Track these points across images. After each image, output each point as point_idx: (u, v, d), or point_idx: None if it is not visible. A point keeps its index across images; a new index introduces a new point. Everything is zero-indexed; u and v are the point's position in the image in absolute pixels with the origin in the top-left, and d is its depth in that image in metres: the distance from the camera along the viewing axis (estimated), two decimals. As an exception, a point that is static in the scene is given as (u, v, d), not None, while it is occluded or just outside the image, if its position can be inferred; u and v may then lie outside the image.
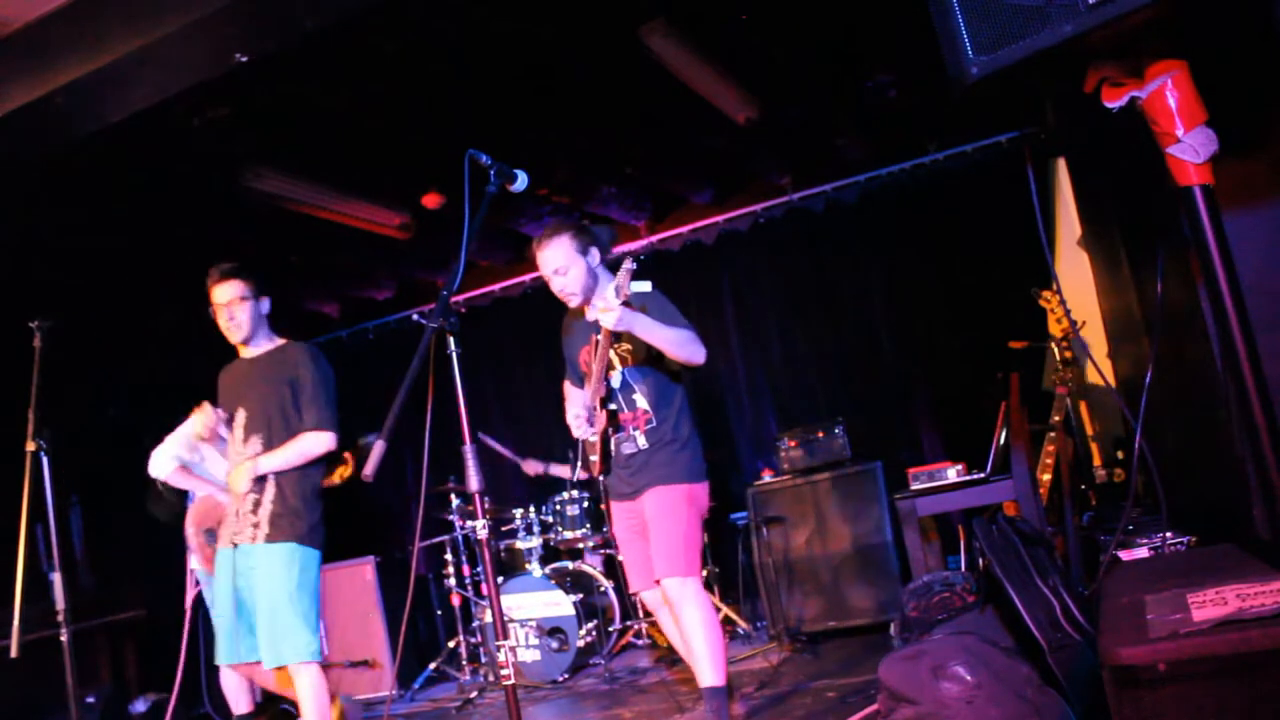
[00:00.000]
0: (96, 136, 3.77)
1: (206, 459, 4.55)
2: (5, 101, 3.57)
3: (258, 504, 3.44)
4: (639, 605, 4.57)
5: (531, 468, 6.13)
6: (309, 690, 3.38)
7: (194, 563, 4.53)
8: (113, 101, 3.62)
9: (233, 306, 3.53)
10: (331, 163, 4.83)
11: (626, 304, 3.09)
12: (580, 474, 3.46)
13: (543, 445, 6.50)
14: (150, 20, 3.30)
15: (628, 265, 3.09)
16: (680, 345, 3.20)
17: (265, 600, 3.37)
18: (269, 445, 3.46)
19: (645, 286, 3.25)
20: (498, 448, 6.09)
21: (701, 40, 4.25)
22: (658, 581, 3.28)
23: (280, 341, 3.66)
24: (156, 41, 3.30)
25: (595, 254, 3.38)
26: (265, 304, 3.62)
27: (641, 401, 3.34)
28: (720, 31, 4.23)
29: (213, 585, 3.79)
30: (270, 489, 3.44)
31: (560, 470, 6.01)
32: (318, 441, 3.46)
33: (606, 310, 3.07)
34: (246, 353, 3.64)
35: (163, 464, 4.34)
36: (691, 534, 3.28)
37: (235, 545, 3.46)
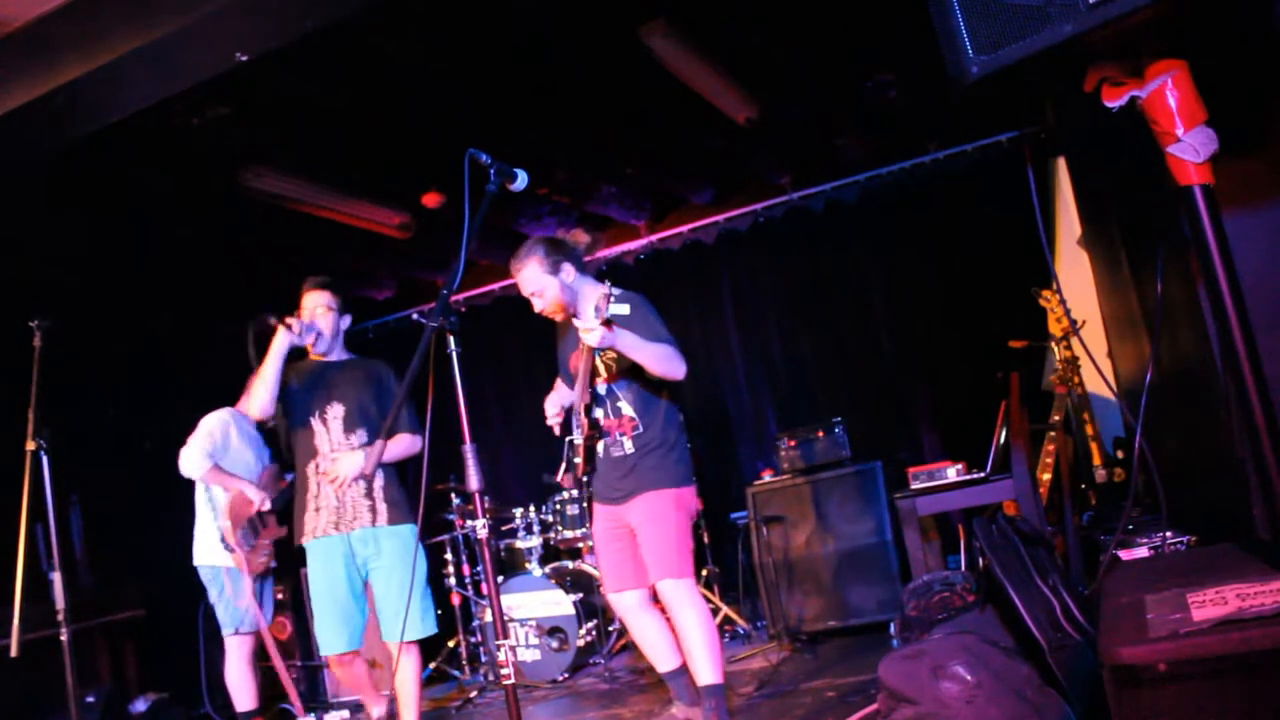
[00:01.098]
0: (96, 136, 3.77)
1: (231, 454, 4.52)
2: (6, 101, 3.57)
3: (369, 491, 3.60)
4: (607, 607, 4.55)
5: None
6: (416, 666, 3.65)
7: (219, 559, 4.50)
8: (113, 101, 3.62)
9: (318, 314, 3.82)
10: (331, 163, 4.83)
11: (608, 325, 3.11)
12: (565, 479, 3.47)
13: (543, 445, 6.50)
14: (150, 20, 3.30)
15: (606, 290, 3.13)
16: (660, 361, 3.22)
17: (401, 578, 3.54)
18: (371, 440, 3.64)
19: (624, 310, 3.29)
20: None
21: (701, 40, 4.25)
22: (648, 586, 3.30)
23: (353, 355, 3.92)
24: (156, 41, 3.30)
25: (568, 269, 3.39)
26: (347, 319, 3.92)
27: (627, 409, 3.37)
28: (720, 31, 4.23)
29: (313, 574, 3.97)
30: (380, 478, 3.64)
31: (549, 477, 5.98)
32: (415, 442, 3.73)
33: (587, 331, 3.10)
34: (327, 358, 3.84)
35: (196, 464, 4.34)
36: (683, 536, 3.30)
37: (347, 531, 3.59)
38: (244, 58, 3.41)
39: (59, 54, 3.47)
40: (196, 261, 5.58)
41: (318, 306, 3.80)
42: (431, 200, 5.32)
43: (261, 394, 3.63)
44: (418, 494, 3.37)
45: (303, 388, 3.75)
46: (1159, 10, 1.82)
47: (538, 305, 3.43)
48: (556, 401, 3.49)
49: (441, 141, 4.51)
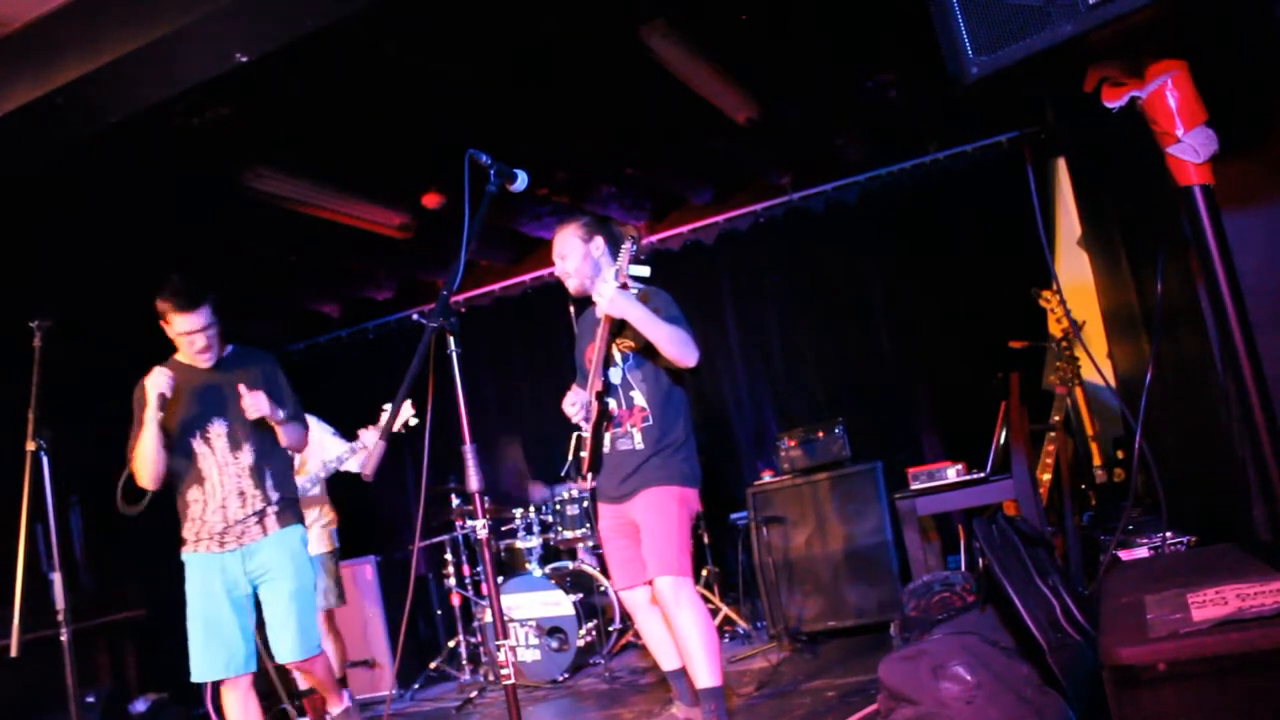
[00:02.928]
0: (97, 136, 3.77)
1: None
2: (6, 101, 3.56)
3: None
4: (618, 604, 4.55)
5: (538, 493, 6.07)
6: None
7: None
8: (113, 101, 3.62)
9: (207, 332, 3.63)
10: (331, 163, 4.83)
11: (625, 288, 3.12)
12: (575, 475, 3.47)
13: (543, 444, 6.51)
14: (150, 20, 3.30)
15: (627, 246, 3.12)
16: (673, 343, 3.20)
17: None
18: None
19: (644, 271, 3.28)
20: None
21: (701, 40, 4.25)
22: (649, 582, 3.27)
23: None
24: (156, 41, 3.30)
25: (600, 243, 3.42)
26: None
27: (640, 399, 3.34)
28: (720, 31, 4.23)
29: None
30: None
31: (561, 488, 5.95)
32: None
33: (600, 293, 3.11)
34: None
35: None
36: (684, 534, 3.27)
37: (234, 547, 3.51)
38: (244, 58, 3.41)
39: (59, 54, 3.46)
40: (196, 261, 5.57)
41: (195, 334, 3.54)
42: (431, 200, 5.32)
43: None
44: (417, 495, 3.38)
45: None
46: (1159, 10, 1.82)
47: (559, 268, 3.47)
48: (574, 399, 3.45)
49: (441, 141, 4.51)
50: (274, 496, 3.49)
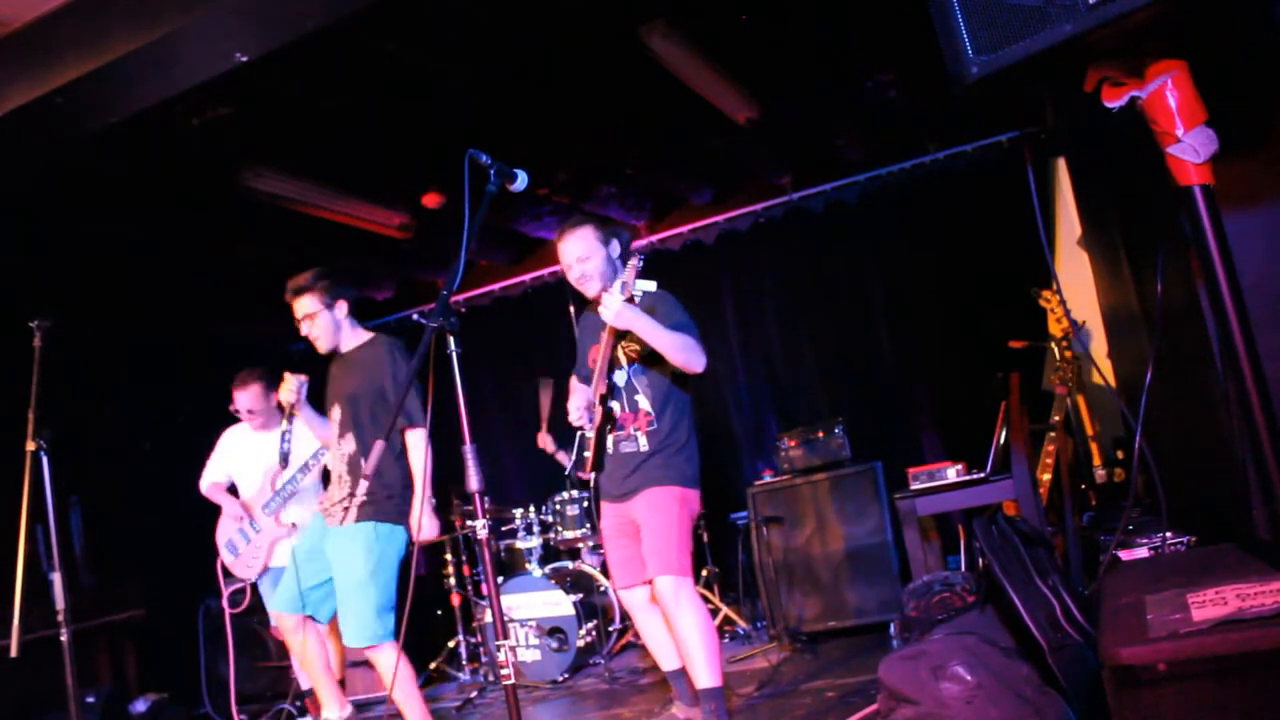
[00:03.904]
0: (97, 136, 3.77)
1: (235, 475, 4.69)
2: (6, 101, 3.56)
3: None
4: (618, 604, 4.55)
5: (544, 441, 5.98)
6: (389, 670, 3.59)
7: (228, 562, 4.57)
8: (113, 101, 3.62)
9: (307, 321, 3.76)
10: (331, 163, 4.83)
11: (631, 300, 3.12)
12: (569, 462, 3.47)
13: (553, 409, 6.49)
14: (150, 20, 3.30)
15: (634, 262, 3.12)
16: (679, 350, 3.20)
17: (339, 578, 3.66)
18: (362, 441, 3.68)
19: (650, 285, 3.28)
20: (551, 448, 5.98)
21: (701, 40, 4.25)
22: (649, 581, 3.27)
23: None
24: (156, 41, 3.30)
25: (616, 246, 3.43)
26: (341, 309, 3.79)
27: (644, 402, 3.34)
28: (720, 31, 4.23)
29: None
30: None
31: (563, 457, 5.95)
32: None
33: (607, 306, 3.09)
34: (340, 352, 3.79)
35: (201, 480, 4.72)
36: (684, 534, 3.27)
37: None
38: (244, 58, 3.41)
39: (59, 54, 3.47)
40: (196, 261, 5.58)
41: (301, 318, 3.72)
42: (431, 200, 5.32)
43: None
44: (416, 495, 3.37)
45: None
46: (1159, 10, 1.82)
47: (576, 273, 3.39)
48: (578, 401, 3.45)
49: (441, 141, 4.51)
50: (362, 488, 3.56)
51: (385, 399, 3.54)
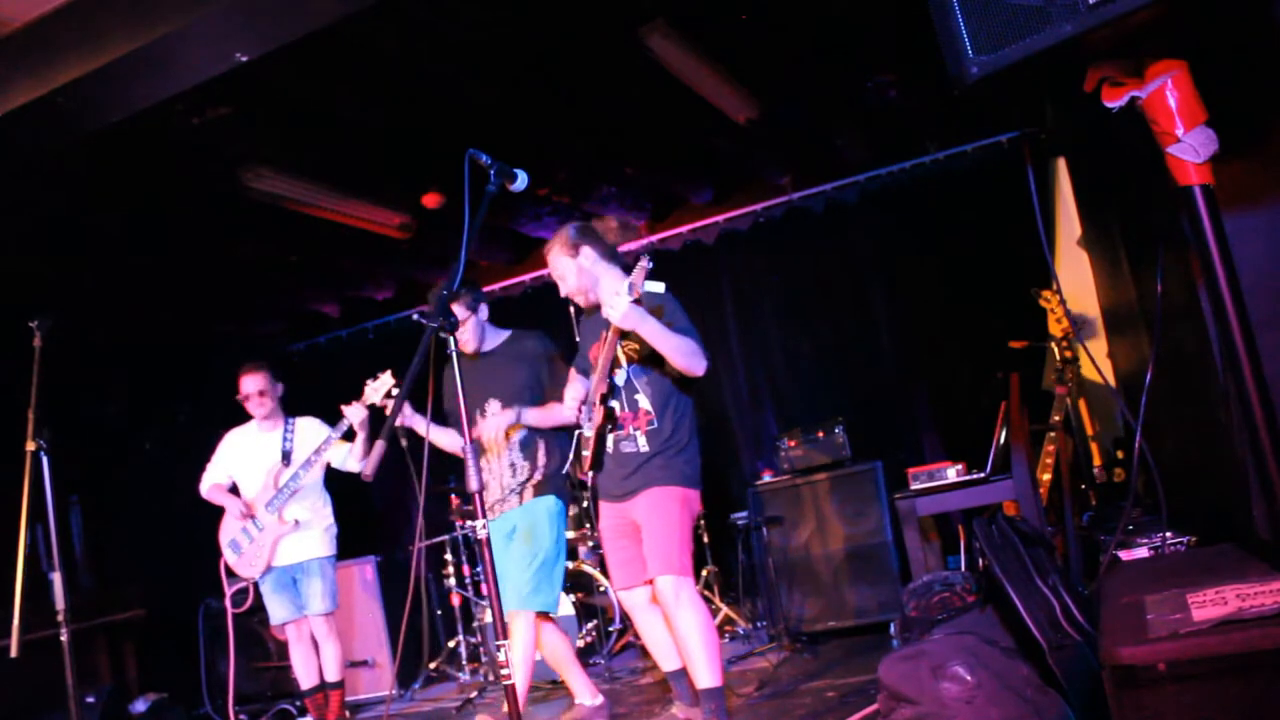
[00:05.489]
0: (97, 136, 3.77)
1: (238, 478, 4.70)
2: (6, 100, 3.56)
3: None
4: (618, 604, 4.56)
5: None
6: (521, 640, 3.66)
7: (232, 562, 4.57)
8: (113, 101, 3.62)
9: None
10: (331, 163, 4.83)
11: (638, 302, 3.11)
12: (574, 473, 3.47)
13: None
14: (150, 20, 3.30)
15: (643, 263, 3.10)
16: (682, 355, 3.20)
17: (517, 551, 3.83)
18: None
19: (659, 287, 3.28)
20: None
21: (701, 40, 4.25)
22: (649, 582, 3.27)
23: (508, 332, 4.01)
24: (156, 41, 3.30)
25: (588, 252, 3.41)
26: (484, 311, 3.93)
27: (644, 402, 3.34)
28: (720, 31, 4.23)
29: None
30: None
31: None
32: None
33: (613, 306, 3.09)
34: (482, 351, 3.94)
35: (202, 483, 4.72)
36: (685, 535, 3.27)
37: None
38: (244, 58, 3.41)
39: (59, 54, 3.46)
40: (196, 261, 5.58)
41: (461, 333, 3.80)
42: (431, 200, 5.32)
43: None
44: (417, 495, 3.38)
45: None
46: (1159, 10, 1.82)
47: (563, 289, 3.53)
48: (574, 392, 3.47)
49: (441, 141, 4.51)
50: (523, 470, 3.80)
51: (541, 385, 3.80)
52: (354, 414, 4.31)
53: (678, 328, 3.25)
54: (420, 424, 3.78)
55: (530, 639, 3.60)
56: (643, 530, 3.31)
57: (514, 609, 3.56)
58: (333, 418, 4.43)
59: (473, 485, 2.43)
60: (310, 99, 4.17)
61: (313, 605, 4.53)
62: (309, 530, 4.55)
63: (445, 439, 3.92)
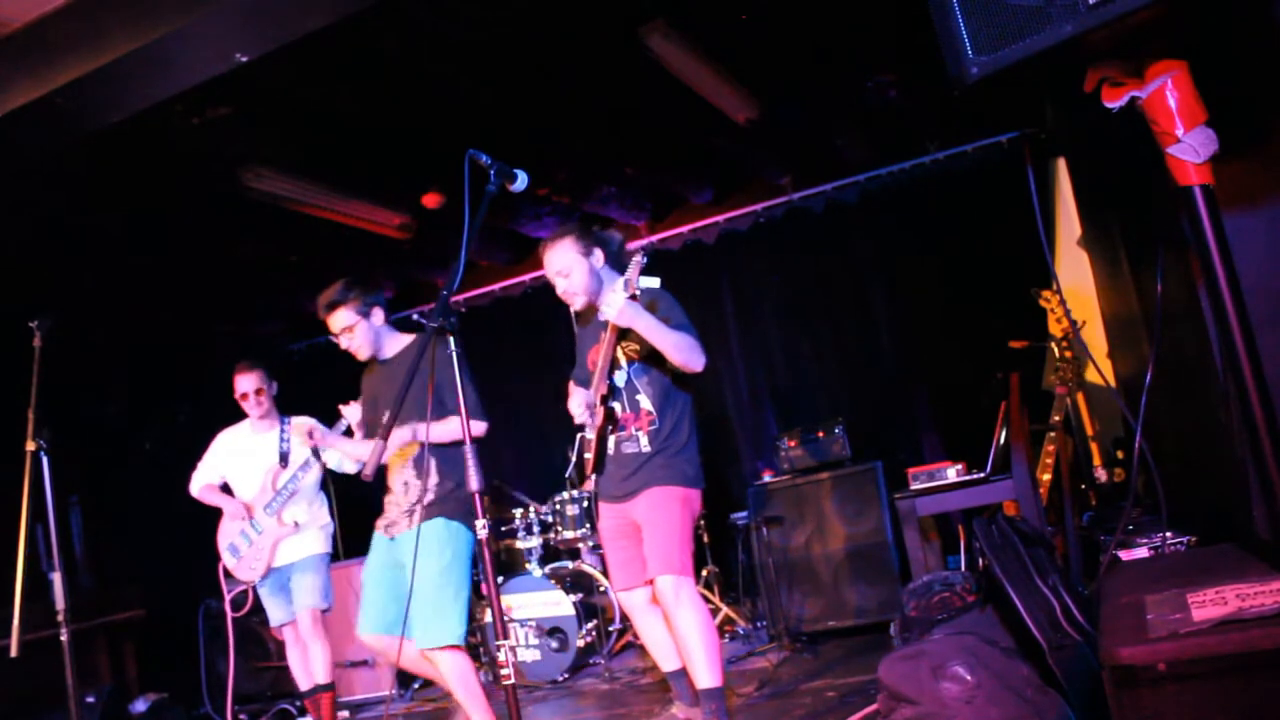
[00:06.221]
0: (97, 136, 3.77)
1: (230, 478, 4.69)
2: (6, 101, 3.56)
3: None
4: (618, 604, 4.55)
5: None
6: (445, 672, 3.46)
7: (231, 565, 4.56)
8: (113, 101, 3.62)
9: (346, 335, 3.63)
10: (331, 163, 4.83)
11: (634, 299, 3.11)
12: (575, 477, 3.47)
13: (542, 443, 6.51)
14: (150, 20, 3.30)
15: (638, 259, 3.11)
16: (680, 350, 3.19)
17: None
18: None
19: (654, 282, 3.26)
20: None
21: (701, 40, 4.25)
22: (649, 582, 3.27)
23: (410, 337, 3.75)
24: (156, 41, 3.30)
25: (599, 255, 3.39)
26: (378, 315, 3.69)
27: (645, 402, 3.33)
28: (720, 31, 4.23)
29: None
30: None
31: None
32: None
33: (609, 303, 3.10)
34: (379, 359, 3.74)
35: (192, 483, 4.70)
36: (685, 534, 3.27)
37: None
38: (244, 58, 3.41)
39: (59, 54, 3.46)
40: (196, 261, 5.58)
41: (340, 334, 3.64)
42: (431, 200, 5.32)
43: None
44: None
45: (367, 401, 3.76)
46: (1159, 10, 1.82)
47: (560, 287, 3.41)
48: (579, 401, 3.44)
49: (441, 141, 4.51)
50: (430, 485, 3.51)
51: (443, 398, 3.52)
52: (352, 414, 4.29)
53: (675, 323, 3.24)
54: (342, 443, 3.76)
55: (460, 668, 3.38)
56: (643, 530, 3.30)
57: (424, 647, 3.36)
58: (331, 418, 4.42)
59: (473, 485, 2.43)
60: (310, 99, 4.17)
61: (300, 599, 4.48)
62: (306, 530, 4.54)
63: (352, 452, 3.79)
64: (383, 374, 3.69)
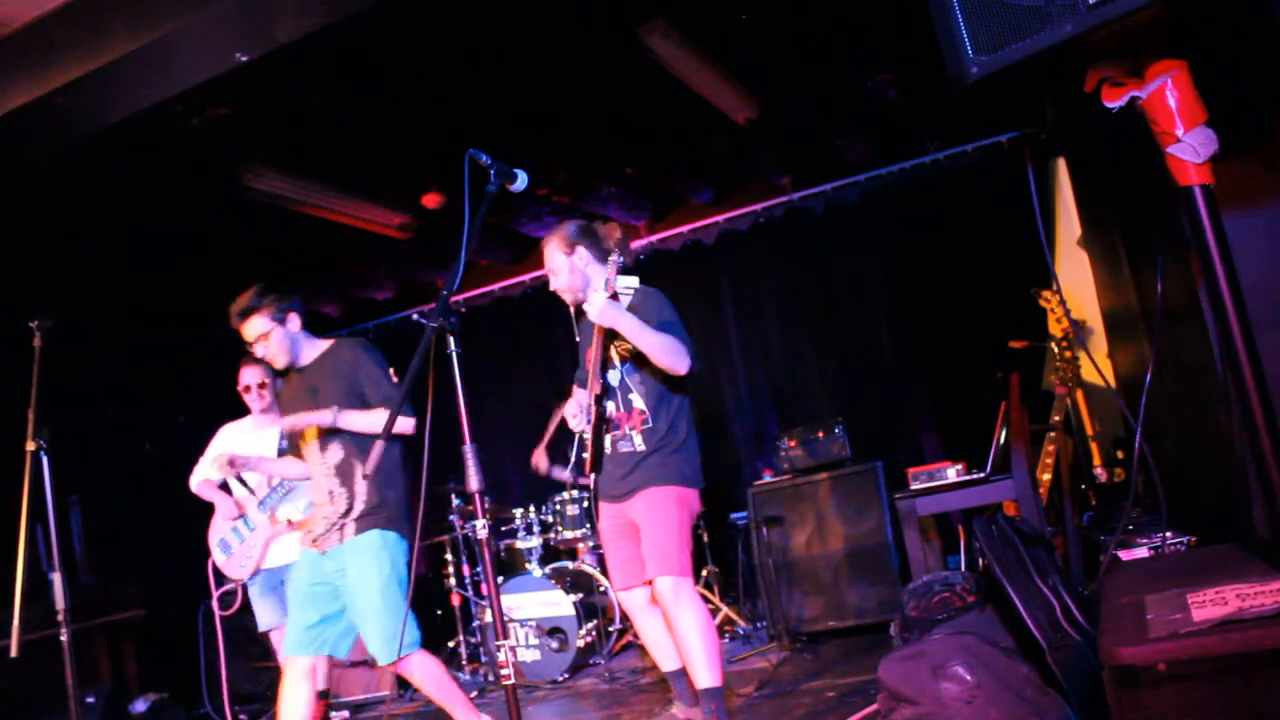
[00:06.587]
0: (97, 136, 3.77)
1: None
2: (6, 101, 3.57)
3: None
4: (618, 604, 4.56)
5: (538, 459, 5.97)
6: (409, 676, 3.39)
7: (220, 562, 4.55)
8: (113, 101, 3.62)
9: (261, 342, 3.45)
10: (331, 163, 4.83)
11: (616, 298, 3.12)
12: (569, 475, 3.48)
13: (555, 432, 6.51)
14: (150, 20, 3.30)
15: (614, 259, 3.13)
16: (663, 352, 3.19)
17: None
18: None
19: (633, 281, 3.29)
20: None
21: (701, 40, 4.25)
22: (648, 582, 3.27)
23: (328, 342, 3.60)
24: (156, 41, 3.31)
25: (583, 253, 3.40)
26: (294, 321, 3.49)
27: (638, 401, 3.34)
28: (720, 31, 4.23)
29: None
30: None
31: (560, 474, 5.95)
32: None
33: (591, 304, 3.15)
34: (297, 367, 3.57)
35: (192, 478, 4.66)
36: (684, 534, 3.27)
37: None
38: (244, 58, 3.41)
39: (59, 54, 3.47)
40: (196, 261, 5.58)
41: (255, 343, 3.43)
42: (431, 200, 5.32)
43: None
44: (417, 495, 3.35)
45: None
46: (1159, 10, 1.82)
47: (552, 284, 3.49)
48: (574, 408, 3.46)
49: (441, 141, 4.51)
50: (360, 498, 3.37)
51: (364, 400, 3.39)
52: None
53: (661, 322, 3.24)
54: (268, 464, 3.66)
55: (429, 670, 3.32)
56: (641, 530, 3.30)
57: (389, 664, 3.26)
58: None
59: (473, 485, 2.43)
60: (310, 99, 4.17)
61: None
62: (296, 533, 4.51)
63: (280, 472, 3.68)
64: (300, 382, 3.50)
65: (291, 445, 3.64)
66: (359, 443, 3.38)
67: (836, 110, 5.28)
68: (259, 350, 3.46)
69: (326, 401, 3.35)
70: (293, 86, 3.99)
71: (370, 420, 3.36)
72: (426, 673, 3.33)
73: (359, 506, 3.36)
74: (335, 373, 3.43)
